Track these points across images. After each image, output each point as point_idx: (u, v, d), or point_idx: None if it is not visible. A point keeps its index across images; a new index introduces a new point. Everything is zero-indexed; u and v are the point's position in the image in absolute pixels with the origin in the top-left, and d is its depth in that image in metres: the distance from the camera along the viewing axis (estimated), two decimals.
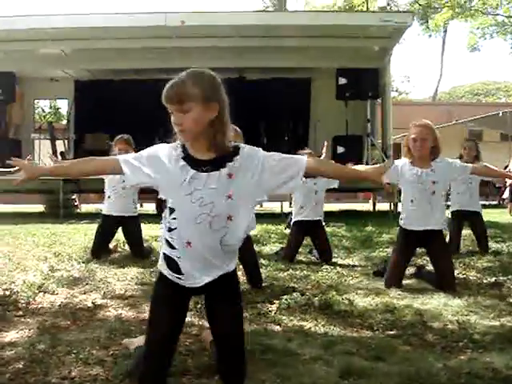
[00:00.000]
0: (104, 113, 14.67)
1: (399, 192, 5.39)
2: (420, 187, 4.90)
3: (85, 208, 17.09)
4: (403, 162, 5.04)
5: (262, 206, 19.44)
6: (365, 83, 13.47)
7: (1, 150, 13.37)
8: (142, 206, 18.82)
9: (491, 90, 57.29)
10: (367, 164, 13.29)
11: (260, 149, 2.66)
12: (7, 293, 4.62)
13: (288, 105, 14.85)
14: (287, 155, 2.70)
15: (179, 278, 2.64)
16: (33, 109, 17.62)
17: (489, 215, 14.35)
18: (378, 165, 3.13)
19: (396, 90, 44.44)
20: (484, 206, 8.08)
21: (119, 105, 14.72)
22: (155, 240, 7.79)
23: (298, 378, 2.74)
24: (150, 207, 15.70)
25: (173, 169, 2.57)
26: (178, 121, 2.53)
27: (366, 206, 17.40)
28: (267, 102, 14.75)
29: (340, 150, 13.26)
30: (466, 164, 5.26)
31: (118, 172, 2.69)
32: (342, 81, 13.50)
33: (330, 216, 11.34)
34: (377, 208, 15.89)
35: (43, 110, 31.54)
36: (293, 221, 6.79)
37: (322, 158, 4.67)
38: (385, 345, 3.29)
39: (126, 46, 13.55)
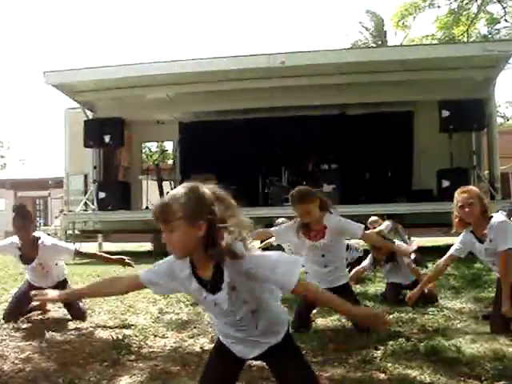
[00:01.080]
0: (208, 153, 15.05)
1: None
2: (489, 260, 4.93)
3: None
4: (465, 236, 4.95)
5: None
6: (469, 114, 13.15)
7: (112, 192, 14.03)
8: None
9: None
10: None
11: (250, 253, 2.59)
12: (120, 337, 4.84)
13: (391, 139, 14.73)
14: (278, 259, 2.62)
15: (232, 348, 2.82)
16: (140, 152, 18.32)
17: None
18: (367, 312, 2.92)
19: (503, 116, 42.89)
20: None
21: (223, 145, 15.08)
22: None
23: None
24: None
25: (189, 287, 2.68)
26: (165, 239, 2.57)
27: None
28: (369, 137, 14.70)
29: (445, 183, 12.97)
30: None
31: (142, 288, 2.90)
32: (446, 113, 13.25)
33: (437, 251, 11.07)
34: None
35: (150, 150, 32.62)
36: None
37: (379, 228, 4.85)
38: None
39: (229, 87, 13.93)
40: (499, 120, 36.02)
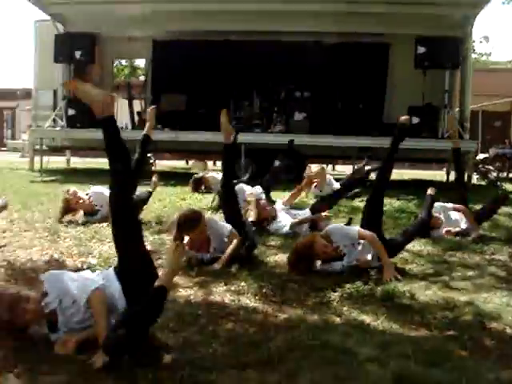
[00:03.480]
0: (181, 73, 14.82)
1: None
2: None
3: (160, 166, 17.53)
4: None
5: None
6: (445, 52, 13.08)
7: (82, 110, 13.76)
8: (215, 164, 19.13)
9: None
10: (442, 136, 13.06)
11: None
12: (84, 266, 4.88)
13: (365, 70, 14.62)
14: None
15: None
16: (111, 69, 17.84)
17: None
18: None
19: (473, 51, 42.50)
20: None
21: (196, 66, 14.83)
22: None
23: (353, 382, 2.87)
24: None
25: None
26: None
27: (441, 175, 17.07)
28: (344, 67, 14.60)
29: (415, 120, 13.00)
30: None
31: None
32: (421, 49, 13.15)
33: (401, 186, 11.21)
34: (451, 178, 15.50)
35: (121, 64, 31.78)
36: None
37: None
38: (440, 348, 3.37)
39: (206, 8, 13.64)
40: (473, 55, 35.83)
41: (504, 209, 8.46)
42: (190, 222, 5.17)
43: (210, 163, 18.41)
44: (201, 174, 10.65)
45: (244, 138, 12.10)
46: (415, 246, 6.34)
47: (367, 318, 3.91)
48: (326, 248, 5.05)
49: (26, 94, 22.02)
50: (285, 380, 2.92)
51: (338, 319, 3.91)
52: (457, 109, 14.31)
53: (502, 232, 7.21)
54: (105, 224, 6.67)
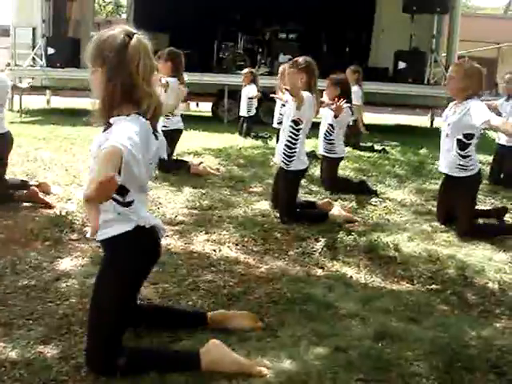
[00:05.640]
0: (164, 12, 14.46)
1: None
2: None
3: None
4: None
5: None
6: None
7: (61, 48, 13.41)
8: (197, 105, 18.90)
9: None
10: (428, 82, 12.91)
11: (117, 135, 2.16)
12: (63, 213, 4.78)
13: (351, 13, 14.33)
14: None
15: None
16: (92, 4, 17.25)
17: None
18: None
19: None
20: None
21: (181, 5, 14.48)
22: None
23: (334, 339, 2.83)
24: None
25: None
26: None
27: (424, 121, 16.99)
28: (330, 10, 14.31)
29: (401, 65, 12.83)
30: (483, 114, 4.47)
31: None
32: None
33: (386, 132, 11.13)
34: (435, 124, 15.44)
35: (104, 1, 30.93)
36: None
37: None
38: (422, 302, 3.36)
39: None
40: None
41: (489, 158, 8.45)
42: None
43: (192, 104, 18.21)
44: None
45: (227, 79, 11.94)
46: (399, 194, 6.32)
47: (349, 271, 3.88)
48: None
49: (4, 31, 21.39)
50: (265, 335, 2.87)
51: (320, 271, 3.87)
52: (443, 54, 14.11)
53: (485, 181, 7.17)
54: (86, 165, 6.50)
